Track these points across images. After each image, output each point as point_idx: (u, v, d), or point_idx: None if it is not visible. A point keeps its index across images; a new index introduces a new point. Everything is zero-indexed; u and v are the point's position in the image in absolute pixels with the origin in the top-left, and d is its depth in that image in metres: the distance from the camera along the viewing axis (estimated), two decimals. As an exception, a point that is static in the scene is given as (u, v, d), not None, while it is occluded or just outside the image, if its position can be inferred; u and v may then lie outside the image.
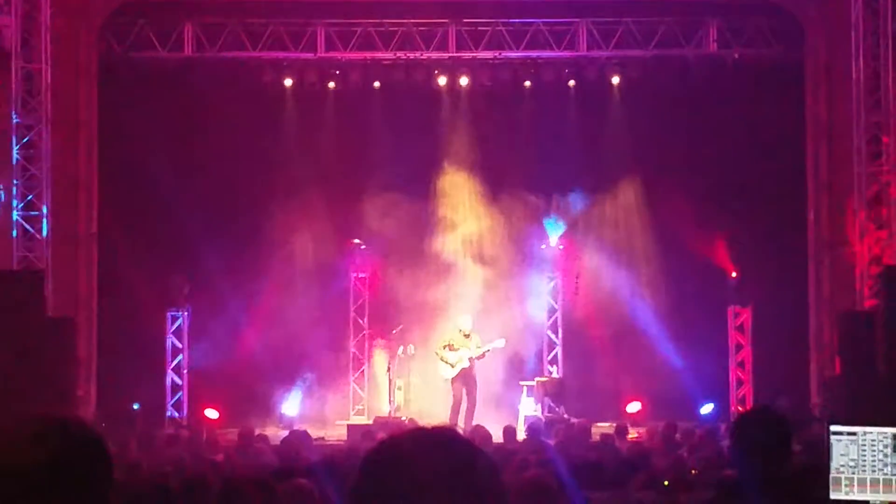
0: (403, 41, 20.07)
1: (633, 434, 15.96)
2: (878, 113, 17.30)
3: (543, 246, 19.93)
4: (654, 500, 8.46)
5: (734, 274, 19.41)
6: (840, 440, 5.33)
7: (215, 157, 19.87)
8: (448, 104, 20.52)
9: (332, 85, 20.42)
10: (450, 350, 18.17)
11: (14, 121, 17.52)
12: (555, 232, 19.90)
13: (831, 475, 5.33)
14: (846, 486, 5.30)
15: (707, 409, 19.10)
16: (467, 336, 18.20)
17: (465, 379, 18.09)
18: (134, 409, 18.35)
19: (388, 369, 18.73)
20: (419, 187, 20.13)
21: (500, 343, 18.28)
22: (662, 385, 19.17)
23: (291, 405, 19.29)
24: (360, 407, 19.72)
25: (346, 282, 20.00)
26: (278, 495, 6.39)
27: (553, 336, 20.02)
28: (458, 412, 18.00)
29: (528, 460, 9.13)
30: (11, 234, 17.55)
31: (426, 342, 18.81)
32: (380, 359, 19.48)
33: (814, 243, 19.80)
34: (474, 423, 16.67)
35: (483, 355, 18.18)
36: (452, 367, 18.07)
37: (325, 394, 19.71)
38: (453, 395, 18.16)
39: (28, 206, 17.70)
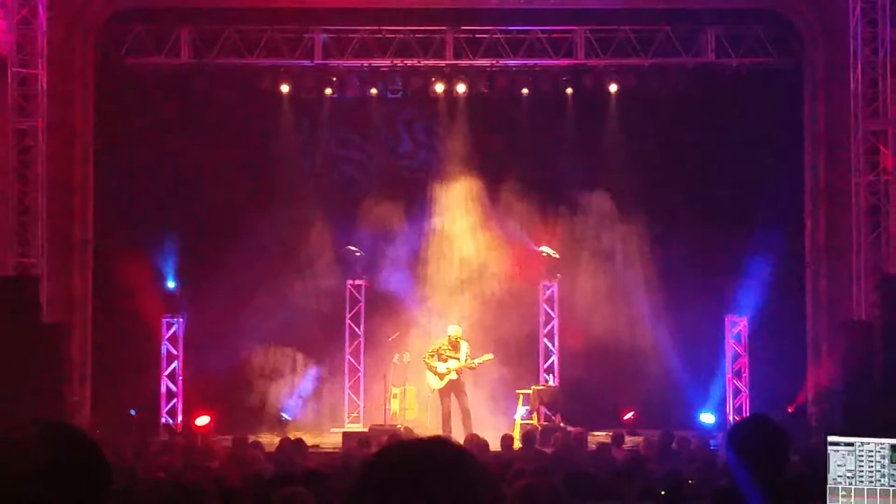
0: (401, 48, 20.06)
1: (629, 443, 15.93)
2: (877, 122, 17.30)
3: (541, 249, 19.84)
4: (651, 510, 8.43)
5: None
6: (837, 451, 5.29)
7: (211, 163, 19.83)
8: (445, 111, 20.51)
9: (329, 92, 20.39)
10: (438, 359, 18.06)
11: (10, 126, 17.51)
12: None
13: (828, 486, 5.29)
14: (843, 496, 5.27)
15: (708, 418, 19.06)
16: (456, 344, 18.08)
17: (454, 390, 17.97)
18: (132, 415, 18.30)
19: (384, 377, 18.68)
20: (415, 194, 20.16)
21: (489, 357, 18.16)
22: (659, 394, 19.14)
23: (290, 410, 19.28)
24: (356, 414, 19.70)
25: (342, 289, 19.96)
26: (273, 502, 6.36)
27: (549, 344, 19.97)
28: (449, 423, 17.87)
29: (524, 469, 9.08)
30: (7, 240, 17.51)
31: (422, 350, 18.77)
32: (375, 366, 19.44)
33: (811, 252, 19.77)
34: (472, 431, 16.59)
35: (474, 368, 18.08)
36: (441, 378, 17.96)
37: (321, 401, 19.68)
38: (442, 406, 17.99)
39: (23, 212, 17.67)
